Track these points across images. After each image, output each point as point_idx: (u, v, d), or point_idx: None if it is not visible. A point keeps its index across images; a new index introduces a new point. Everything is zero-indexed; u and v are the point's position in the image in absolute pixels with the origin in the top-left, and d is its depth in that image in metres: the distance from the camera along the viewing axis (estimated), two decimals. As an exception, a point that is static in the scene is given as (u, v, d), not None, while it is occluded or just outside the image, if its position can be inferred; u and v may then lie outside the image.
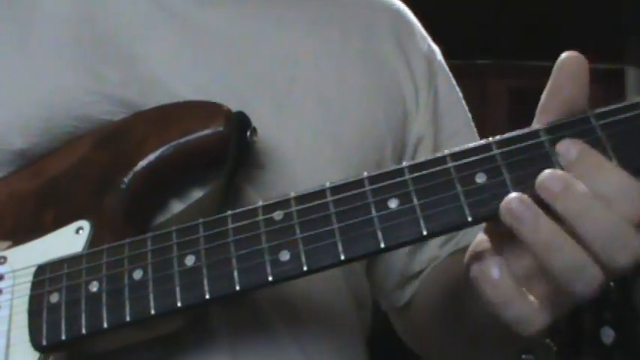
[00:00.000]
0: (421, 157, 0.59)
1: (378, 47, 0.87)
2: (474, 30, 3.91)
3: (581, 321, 3.87)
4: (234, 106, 0.71)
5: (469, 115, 0.94)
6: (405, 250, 0.84)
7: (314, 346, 0.75)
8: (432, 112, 0.88)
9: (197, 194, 0.71)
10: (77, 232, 0.68)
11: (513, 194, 0.53)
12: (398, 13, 0.92)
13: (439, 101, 0.90)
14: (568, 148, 0.54)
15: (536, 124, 0.57)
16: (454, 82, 0.94)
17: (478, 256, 0.58)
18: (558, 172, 0.53)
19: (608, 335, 3.63)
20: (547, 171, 0.53)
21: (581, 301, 0.53)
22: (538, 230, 0.52)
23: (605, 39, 3.70)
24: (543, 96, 0.57)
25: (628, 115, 0.56)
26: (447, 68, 0.94)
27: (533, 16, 3.82)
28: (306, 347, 0.74)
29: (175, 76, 0.75)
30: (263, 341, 0.72)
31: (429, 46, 0.92)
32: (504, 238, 0.57)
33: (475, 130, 0.94)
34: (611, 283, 3.72)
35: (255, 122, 0.71)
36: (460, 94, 0.95)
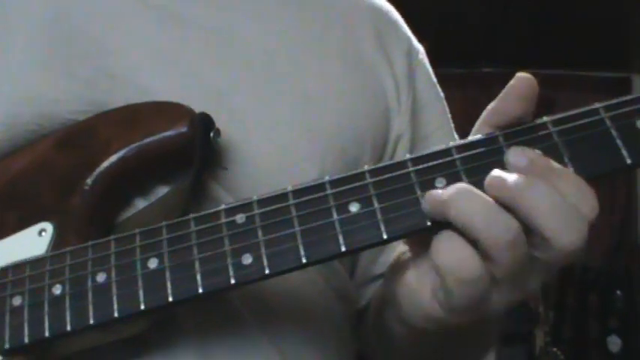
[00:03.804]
0: (385, 161, 0.64)
1: (358, 44, 0.93)
2: (479, 39, 3.96)
3: (588, 329, 3.94)
4: (208, 101, 0.77)
5: (449, 114, 1.00)
6: (370, 250, 0.90)
7: (289, 341, 0.80)
8: (411, 110, 0.94)
9: (162, 192, 0.77)
10: (40, 234, 0.73)
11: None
12: (380, 11, 0.98)
13: (417, 99, 0.96)
14: (516, 158, 0.60)
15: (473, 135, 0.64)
16: (435, 80, 1.01)
17: (401, 267, 0.65)
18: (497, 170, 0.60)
19: (614, 343, 3.70)
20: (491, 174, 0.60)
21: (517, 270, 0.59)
22: (472, 208, 0.58)
23: (612, 47, 3.76)
24: (488, 111, 0.64)
25: (585, 121, 0.62)
26: (428, 67, 1.00)
27: (539, 24, 3.88)
28: (280, 343, 0.79)
29: (149, 70, 0.81)
30: (233, 339, 0.77)
31: (410, 44, 0.98)
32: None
33: (453, 128, 1.00)
34: (618, 292, 3.79)
35: (229, 117, 0.77)
36: (441, 93, 1.01)
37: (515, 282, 0.61)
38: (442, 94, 1.01)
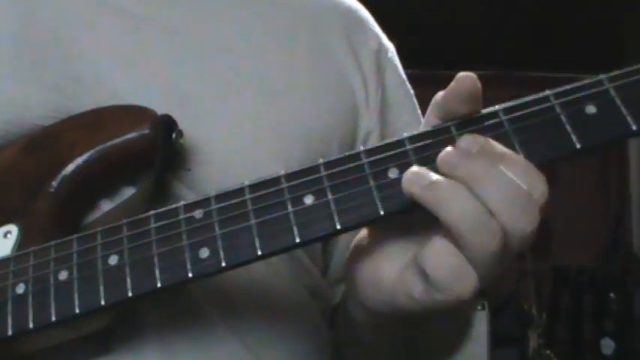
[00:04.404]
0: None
1: (326, 42, 0.94)
2: (474, 41, 3.98)
3: (582, 332, 3.94)
4: (172, 103, 0.78)
5: (419, 111, 1.01)
6: (342, 246, 0.90)
7: (254, 335, 0.80)
8: (380, 108, 0.95)
9: (127, 194, 0.78)
10: (5, 236, 0.74)
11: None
12: (348, 9, 0.99)
13: (387, 97, 0.97)
14: (468, 144, 0.60)
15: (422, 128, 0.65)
16: (404, 78, 1.01)
17: (360, 252, 0.66)
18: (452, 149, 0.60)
19: (608, 346, 3.70)
20: (445, 149, 0.61)
21: (490, 257, 0.59)
22: (433, 187, 0.59)
23: (606, 50, 3.78)
24: (434, 106, 0.65)
25: (536, 108, 0.63)
26: (398, 64, 1.01)
27: (534, 26, 3.90)
28: (244, 337, 0.79)
29: (115, 73, 0.82)
30: (196, 333, 0.77)
31: (379, 42, 0.99)
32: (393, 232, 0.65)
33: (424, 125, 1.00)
34: (612, 294, 3.79)
35: (193, 118, 0.78)
36: (411, 91, 1.01)
37: (482, 273, 0.60)
38: (412, 92, 1.01)
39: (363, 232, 0.69)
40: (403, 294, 0.63)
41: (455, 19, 3.74)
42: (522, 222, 0.58)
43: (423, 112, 1.00)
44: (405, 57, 1.03)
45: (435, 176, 0.59)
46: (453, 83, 0.62)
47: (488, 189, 0.58)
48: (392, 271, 0.64)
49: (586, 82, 0.63)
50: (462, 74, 0.62)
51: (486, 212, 0.58)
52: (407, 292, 0.62)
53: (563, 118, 0.62)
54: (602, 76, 0.63)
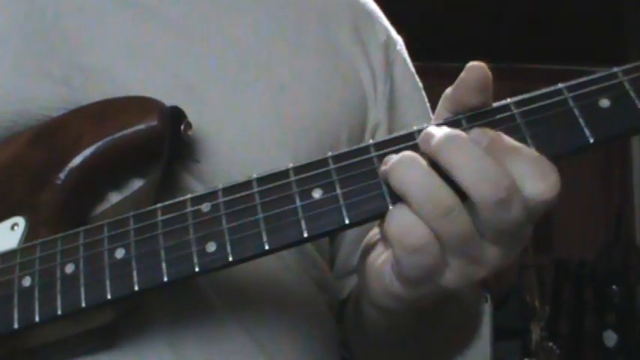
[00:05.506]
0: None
1: (334, 34, 0.92)
2: (475, 33, 3.96)
3: (584, 324, 3.93)
4: (181, 94, 0.77)
5: (427, 104, 0.99)
6: (350, 239, 0.89)
7: (264, 329, 0.79)
8: (388, 100, 0.94)
9: (135, 185, 0.76)
10: (12, 228, 0.73)
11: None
12: (356, 2, 0.97)
13: (395, 90, 0.95)
14: (477, 138, 0.58)
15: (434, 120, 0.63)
16: (413, 71, 0.99)
17: (369, 248, 0.65)
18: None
19: (610, 338, 3.69)
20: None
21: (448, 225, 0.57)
22: (409, 173, 0.58)
23: (607, 42, 3.75)
24: (445, 99, 0.63)
25: (548, 102, 0.61)
26: (407, 57, 0.99)
27: (535, 18, 3.88)
28: (254, 331, 0.78)
29: (123, 64, 0.80)
30: (205, 328, 0.76)
31: (388, 35, 0.97)
32: None
33: (433, 118, 0.98)
34: (614, 287, 3.78)
35: (201, 109, 0.77)
36: (419, 84, 1.00)
37: (465, 255, 0.59)
38: (420, 85, 1.00)
39: (376, 229, 0.67)
40: (396, 280, 0.62)
41: (455, 13, 3.72)
42: (483, 191, 0.56)
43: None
44: (409, 49, 1.01)
45: (396, 157, 0.59)
46: (462, 74, 0.61)
47: (450, 161, 0.57)
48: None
49: (599, 74, 0.61)
50: (471, 64, 0.60)
51: (439, 184, 0.57)
52: (396, 275, 0.61)
53: (576, 111, 0.60)
54: (615, 69, 0.61)
